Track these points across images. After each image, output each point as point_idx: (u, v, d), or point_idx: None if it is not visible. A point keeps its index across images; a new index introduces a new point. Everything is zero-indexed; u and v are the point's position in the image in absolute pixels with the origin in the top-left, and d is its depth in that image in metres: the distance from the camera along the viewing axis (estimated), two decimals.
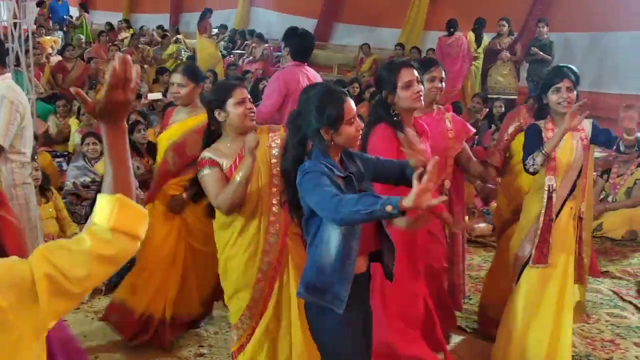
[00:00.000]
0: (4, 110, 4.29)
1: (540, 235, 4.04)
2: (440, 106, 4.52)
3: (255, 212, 3.63)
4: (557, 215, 4.08)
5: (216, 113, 3.71)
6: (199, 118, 4.43)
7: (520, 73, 11.87)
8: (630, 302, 5.57)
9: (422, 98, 3.77)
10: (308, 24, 17.32)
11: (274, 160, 3.66)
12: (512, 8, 13.16)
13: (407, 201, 2.43)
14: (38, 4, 17.99)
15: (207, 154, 3.68)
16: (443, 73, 4.36)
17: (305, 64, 5.65)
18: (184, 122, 4.58)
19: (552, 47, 11.30)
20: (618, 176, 7.52)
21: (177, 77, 4.60)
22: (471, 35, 12.27)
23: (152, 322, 4.65)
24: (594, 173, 7.52)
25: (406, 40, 15.45)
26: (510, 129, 4.71)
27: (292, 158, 3.02)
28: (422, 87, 3.77)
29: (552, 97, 4.04)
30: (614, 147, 4.19)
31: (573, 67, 4.17)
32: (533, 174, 4.04)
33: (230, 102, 3.67)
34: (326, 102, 2.93)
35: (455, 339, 4.86)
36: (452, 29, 11.92)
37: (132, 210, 1.84)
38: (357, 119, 2.99)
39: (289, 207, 3.16)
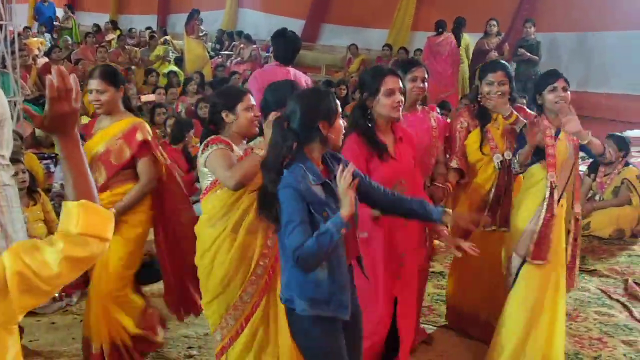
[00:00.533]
0: None
1: (541, 232, 4.04)
2: (424, 106, 4.54)
3: (250, 209, 3.60)
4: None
5: (224, 114, 3.74)
6: (122, 124, 4.21)
7: None
8: (618, 301, 5.60)
9: (400, 109, 3.75)
10: (296, 25, 17.33)
11: None
12: (499, 8, 13.22)
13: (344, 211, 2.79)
14: None
15: (222, 137, 3.71)
16: (425, 73, 4.37)
17: (289, 66, 5.62)
18: (106, 131, 4.23)
19: (540, 47, 11.35)
20: (605, 175, 7.56)
21: (94, 83, 4.15)
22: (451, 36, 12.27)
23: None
24: (581, 172, 7.57)
25: (394, 41, 15.48)
26: (458, 133, 4.66)
27: (273, 166, 2.99)
28: (402, 98, 3.76)
29: (549, 97, 4.13)
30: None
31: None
32: (518, 173, 4.18)
33: (240, 107, 3.73)
34: (319, 98, 3.01)
35: (442, 337, 4.86)
36: (440, 29, 11.92)
37: (97, 214, 1.92)
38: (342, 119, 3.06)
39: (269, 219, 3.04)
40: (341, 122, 3.04)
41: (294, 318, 3.05)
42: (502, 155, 4.50)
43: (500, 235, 4.45)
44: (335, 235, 2.77)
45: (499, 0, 13.77)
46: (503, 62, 4.91)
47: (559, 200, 4.09)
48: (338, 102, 3.06)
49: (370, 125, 3.72)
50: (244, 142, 3.84)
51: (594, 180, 7.57)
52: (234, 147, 3.70)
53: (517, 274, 4.15)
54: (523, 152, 4.08)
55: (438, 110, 4.76)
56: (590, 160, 8.33)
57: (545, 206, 4.04)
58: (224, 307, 3.71)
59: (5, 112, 4.18)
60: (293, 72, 5.59)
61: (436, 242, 6.55)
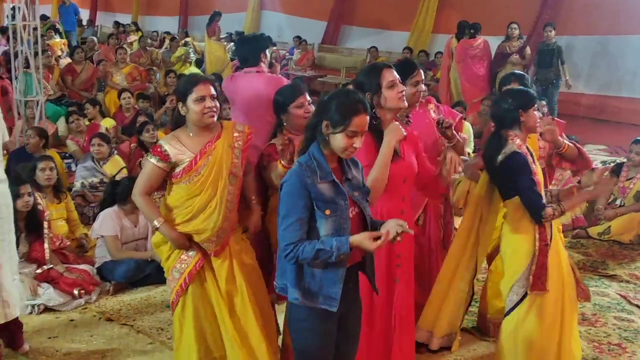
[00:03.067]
0: None
1: (538, 262, 3.94)
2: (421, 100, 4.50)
3: (206, 208, 3.73)
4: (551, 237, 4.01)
5: (179, 105, 3.77)
6: None
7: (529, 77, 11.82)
8: (638, 306, 5.54)
9: (404, 99, 3.75)
10: (318, 27, 17.41)
11: (234, 160, 3.77)
12: (520, 12, 13.15)
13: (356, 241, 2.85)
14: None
15: (166, 145, 3.73)
16: (423, 75, 4.37)
17: (256, 68, 4.99)
18: None
19: (561, 51, 11.29)
20: (627, 180, 7.49)
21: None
22: (454, 41, 12.28)
23: None
24: (606, 174, 7.53)
25: (414, 44, 15.46)
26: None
27: (308, 138, 3.10)
28: (404, 87, 3.76)
29: (534, 114, 3.97)
30: None
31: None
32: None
33: (190, 98, 3.70)
34: (342, 105, 2.99)
35: (460, 340, 4.84)
36: (472, 31, 11.87)
37: None
38: (361, 137, 3.02)
39: None
40: (356, 140, 3.00)
41: (288, 306, 3.15)
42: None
43: None
44: (334, 257, 2.86)
45: (521, 4, 13.70)
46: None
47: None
48: (365, 119, 3.03)
49: (376, 123, 3.68)
50: (213, 130, 3.81)
51: (616, 184, 7.50)
52: (184, 151, 3.71)
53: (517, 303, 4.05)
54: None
55: (434, 100, 4.75)
56: (613, 164, 8.29)
57: (537, 235, 3.94)
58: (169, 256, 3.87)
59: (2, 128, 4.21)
60: (267, 78, 4.99)
61: None
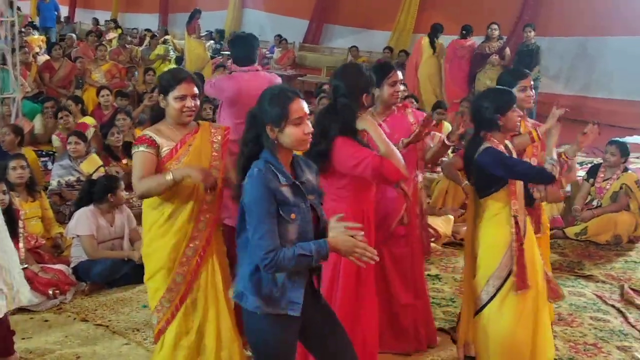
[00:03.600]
0: None
1: (518, 262, 3.95)
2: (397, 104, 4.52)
3: (189, 199, 3.71)
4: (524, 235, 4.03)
5: (160, 98, 3.77)
6: None
7: None
8: (613, 306, 5.57)
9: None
10: (300, 25, 17.39)
11: (214, 154, 3.78)
12: (501, 12, 13.23)
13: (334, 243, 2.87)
14: None
15: (148, 132, 3.75)
16: (401, 75, 4.41)
17: (254, 67, 5.30)
18: None
19: (539, 52, 11.36)
20: (604, 180, 7.53)
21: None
22: (425, 40, 12.41)
23: None
24: (579, 177, 7.57)
25: (395, 44, 15.50)
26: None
27: (243, 154, 3.05)
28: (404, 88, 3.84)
29: (515, 116, 3.97)
30: None
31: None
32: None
33: (171, 94, 3.70)
34: (273, 99, 2.96)
35: (438, 340, 4.84)
36: (464, 32, 11.99)
37: None
38: (307, 121, 2.99)
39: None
40: (297, 129, 2.95)
41: (246, 315, 3.04)
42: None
43: (538, 241, 4.43)
44: (315, 262, 2.86)
45: (502, 5, 13.78)
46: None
47: (525, 216, 4.05)
48: (303, 104, 2.99)
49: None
50: (189, 126, 3.79)
51: (593, 185, 7.54)
52: (163, 142, 3.70)
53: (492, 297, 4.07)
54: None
55: (413, 102, 4.79)
56: (589, 165, 8.35)
57: (513, 236, 3.96)
58: (158, 288, 3.79)
59: None
60: (265, 77, 5.35)
61: (433, 245, 6.58)
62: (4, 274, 3.96)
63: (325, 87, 9.87)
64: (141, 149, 3.68)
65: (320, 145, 3.62)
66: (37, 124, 9.17)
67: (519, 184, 4.02)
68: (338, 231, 2.90)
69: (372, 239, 3.79)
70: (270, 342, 3.03)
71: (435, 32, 12.38)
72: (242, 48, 5.33)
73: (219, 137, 3.84)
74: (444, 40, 12.56)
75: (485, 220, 4.07)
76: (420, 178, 4.56)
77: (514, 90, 4.14)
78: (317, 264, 2.87)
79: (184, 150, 3.71)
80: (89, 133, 8.04)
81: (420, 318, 4.60)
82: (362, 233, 2.91)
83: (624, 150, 7.42)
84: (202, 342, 3.82)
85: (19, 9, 17.60)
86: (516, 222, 3.96)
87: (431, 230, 6.59)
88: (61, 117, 8.50)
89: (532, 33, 11.48)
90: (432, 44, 12.43)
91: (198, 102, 3.77)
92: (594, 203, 7.46)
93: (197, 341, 3.81)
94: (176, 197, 3.70)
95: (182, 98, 3.68)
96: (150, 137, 3.70)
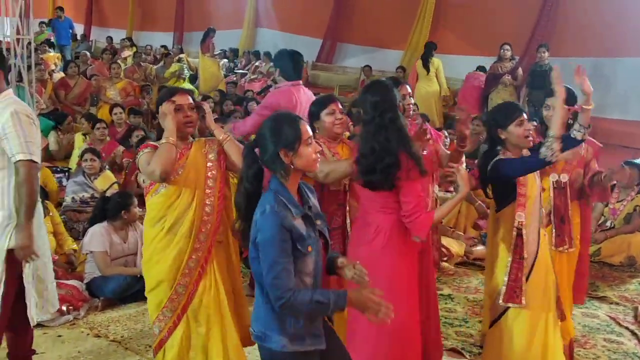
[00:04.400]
0: (26, 126, 3.79)
1: (510, 273, 3.95)
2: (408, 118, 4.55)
3: (188, 210, 3.76)
4: (537, 250, 4.00)
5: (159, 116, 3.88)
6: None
7: (521, 98, 11.91)
8: (627, 328, 5.54)
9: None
10: (313, 44, 17.44)
11: (209, 164, 3.85)
12: (514, 32, 13.22)
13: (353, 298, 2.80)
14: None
15: (151, 142, 3.90)
16: (409, 89, 4.51)
17: (300, 82, 5.66)
18: None
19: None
20: (618, 202, 7.51)
21: None
22: (419, 63, 12.72)
23: None
24: None
25: (408, 63, 15.51)
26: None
27: (246, 191, 2.95)
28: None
29: (518, 131, 3.95)
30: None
31: None
32: (554, 160, 3.88)
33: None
34: (281, 124, 2.91)
35: None
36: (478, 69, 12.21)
37: None
38: (314, 141, 2.98)
39: (242, 237, 3.01)
40: (310, 149, 2.91)
41: (269, 354, 2.95)
42: (558, 175, 4.60)
43: (567, 256, 4.52)
44: (331, 312, 2.85)
45: (514, 25, 13.77)
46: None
47: (539, 230, 4.03)
48: (307, 126, 2.97)
49: None
50: (191, 138, 3.94)
51: (606, 206, 7.52)
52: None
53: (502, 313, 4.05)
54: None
55: (420, 120, 4.85)
56: None
57: (512, 248, 3.95)
58: (161, 300, 3.81)
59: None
60: (308, 93, 5.66)
61: (445, 264, 6.57)
62: (40, 285, 4.02)
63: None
64: (146, 150, 3.80)
65: (385, 160, 3.61)
66: (52, 140, 9.24)
67: (531, 199, 3.99)
68: (359, 293, 2.83)
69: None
70: None
71: (428, 50, 12.71)
72: (293, 63, 5.60)
73: (214, 146, 3.91)
74: (456, 60, 12.61)
75: (501, 233, 4.08)
76: (437, 191, 4.58)
77: (511, 127, 4.01)
78: (331, 314, 2.84)
79: (182, 161, 3.79)
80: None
81: (430, 338, 4.58)
82: (381, 292, 2.87)
83: (638, 172, 7.40)
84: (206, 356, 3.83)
85: (44, 24, 17.94)
86: (519, 235, 3.95)
87: (443, 250, 6.59)
88: (98, 128, 8.58)
89: (547, 54, 11.47)
90: (426, 64, 12.67)
91: (195, 115, 3.87)
92: (608, 224, 7.44)
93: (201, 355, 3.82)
94: (176, 210, 3.76)
95: (180, 108, 3.80)
96: (154, 144, 3.82)
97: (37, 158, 3.82)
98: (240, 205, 2.98)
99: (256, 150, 2.93)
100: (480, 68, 12.56)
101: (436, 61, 12.86)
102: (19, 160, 3.73)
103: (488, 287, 4.21)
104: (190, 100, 3.86)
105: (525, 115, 4.01)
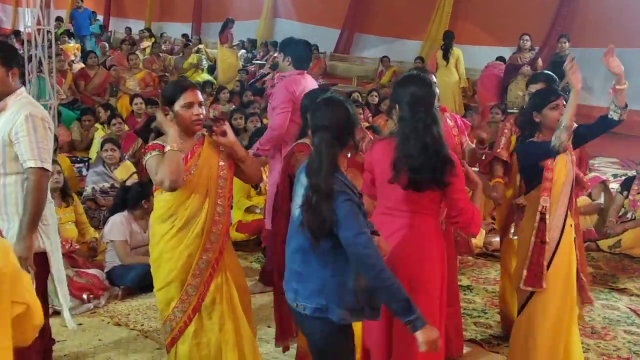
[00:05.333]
0: (40, 131, 3.72)
1: (532, 257, 3.97)
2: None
3: (201, 210, 3.69)
4: (560, 237, 4.01)
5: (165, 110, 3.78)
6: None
7: None
8: None
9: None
10: (331, 35, 17.40)
11: (221, 163, 3.76)
12: (533, 22, 13.12)
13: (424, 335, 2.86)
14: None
15: (158, 141, 3.75)
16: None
17: (305, 72, 5.60)
18: None
19: None
20: (638, 193, 7.44)
21: None
22: (439, 53, 12.61)
23: None
24: (613, 189, 7.49)
25: (427, 54, 15.45)
26: (503, 139, 4.86)
27: (328, 173, 2.95)
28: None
29: (553, 114, 4.05)
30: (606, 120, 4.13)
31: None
32: (562, 151, 3.92)
33: (177, 104, 3.69)
34: (352, 114, 3.09)
35: (469, 351, 4.82)
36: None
37: None
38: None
39: (318, 229, 2.96)
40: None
41: (326, 326, 3.04)
42: None
43: None
44: (407, 320, 2.86)
45: (534, 15, 13.67)
46: (547, 73, 5.03)
47: (565, 219, 4.03)
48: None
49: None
50: (195, 137, 3.79)
51: (627, 197, 7.46)
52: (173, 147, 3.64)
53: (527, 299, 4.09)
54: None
55: (449, 111, 4.86)
56: (623, 177, 8.25)
57: (535, 232, 3.97)
58: (171, 299, 3.78)
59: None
60: (311, 81, 5.60)
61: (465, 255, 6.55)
62: (63, 288, 4.06)
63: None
64: (154, 154, 3.67)
65: (440, 157, 3.41)
66: (75, 131, 9.30)
67: (558, 186, 4.00)
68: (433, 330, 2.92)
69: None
70: (346, 348, 3.14)
71: (449, 41, 12.61)
72: (303, 51, 5.56)
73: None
74: (475, 50, 12.53)
75: (526, 216, 4.16)
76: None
77: (545, 109, 4.12)
78: (404, 320, 2.87)
79: (193, 161, 3.69)
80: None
81: (452, 327, 4.57)
82: None
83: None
84: (221, 358, 3.81)
85: (60, 19, 18.00)
86: (542, 219, 3.96)
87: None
88: (114, 124, 8.62)
89: (567, 44, 11.40)
90: (446, 54, 12.61)
91: (204, 110, 3.78)
92: (628, 216, 7.37)
93: (215, 357, 3.81)
94: (187, 210, 3.68)
95: (190, 105, 3.67)
96: (160, 144, 3.70)
97: (48, 165, 3.76)
98: (320, 189, 2.95)
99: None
100: (500, 58, 12.48)
101: (456, 51, 12.79)
102: (29, 167, 3.68)
103: (514, 273, 4.25)
104: (200, 96, 3.73)
105: (561, 100, 4.07)
